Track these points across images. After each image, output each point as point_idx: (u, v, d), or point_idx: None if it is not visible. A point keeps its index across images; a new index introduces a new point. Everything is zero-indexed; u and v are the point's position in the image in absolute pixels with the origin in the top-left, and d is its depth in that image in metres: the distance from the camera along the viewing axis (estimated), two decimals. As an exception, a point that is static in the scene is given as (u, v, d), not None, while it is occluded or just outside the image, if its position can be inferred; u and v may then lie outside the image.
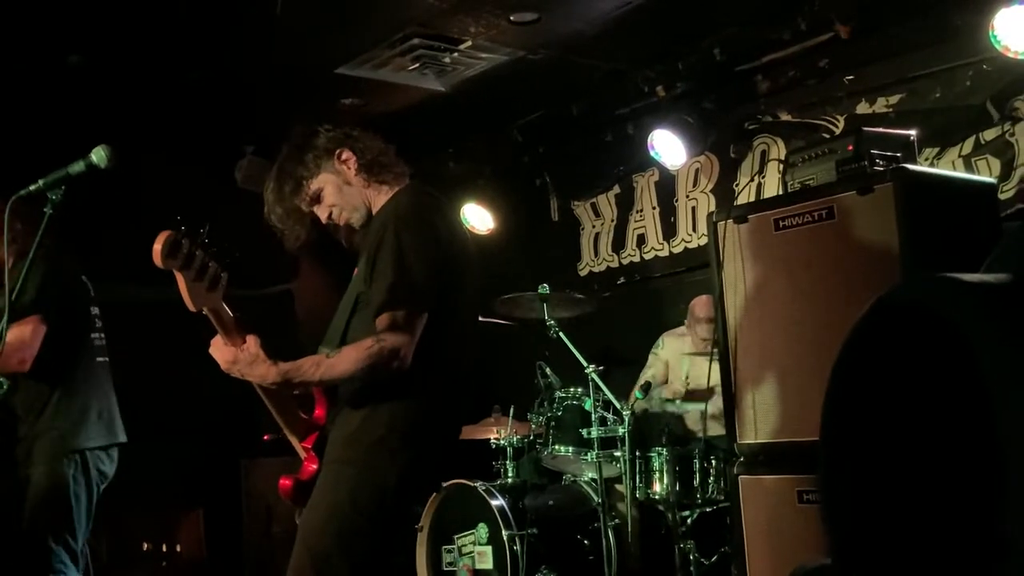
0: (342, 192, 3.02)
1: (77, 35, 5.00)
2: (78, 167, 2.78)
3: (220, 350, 2.77)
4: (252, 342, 2.73)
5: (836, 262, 3.63)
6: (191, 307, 2.64)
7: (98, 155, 2.77)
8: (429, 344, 2.76)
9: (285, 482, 2.95)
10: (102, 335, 4.03)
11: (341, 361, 2.73)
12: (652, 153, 5.88)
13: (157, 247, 2.48)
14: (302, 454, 2.96)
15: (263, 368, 2.72)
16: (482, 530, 4.91)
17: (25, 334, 3.64)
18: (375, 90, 5.97)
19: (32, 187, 2.80)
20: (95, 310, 4.03)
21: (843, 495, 1.20)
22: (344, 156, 3.02)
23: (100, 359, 3.99)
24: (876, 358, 1.26)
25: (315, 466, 2.89)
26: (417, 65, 5.67)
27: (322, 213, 3.05)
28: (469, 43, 5.39)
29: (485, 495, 4.92)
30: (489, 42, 5.39)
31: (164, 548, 6.42)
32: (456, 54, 5.53)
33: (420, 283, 2.75)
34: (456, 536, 5.02)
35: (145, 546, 6.40)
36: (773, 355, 3.77)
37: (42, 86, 5.45)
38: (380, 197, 3.03)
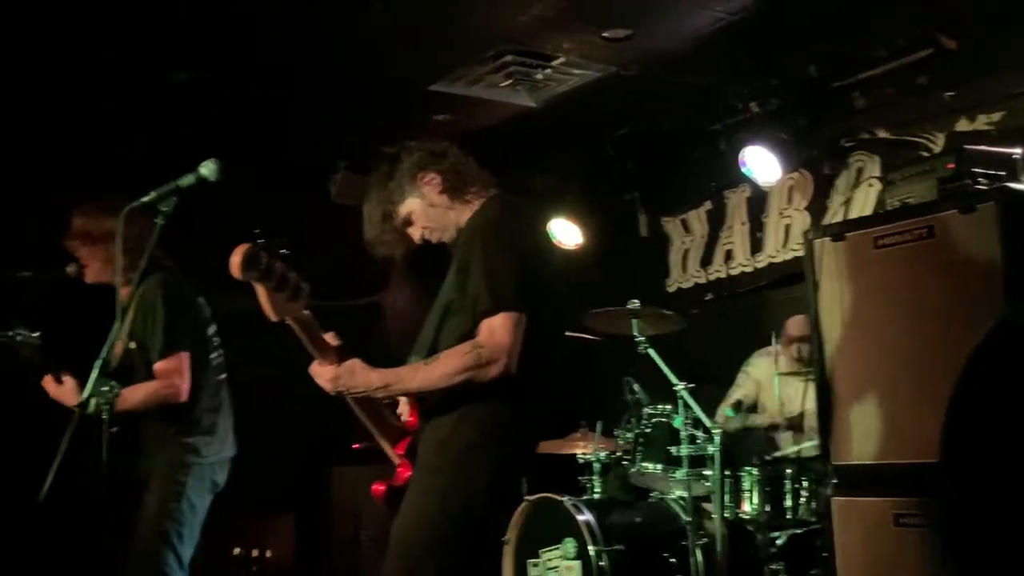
0: (429, 214, 3.08)
1: (181, 53, 5.15)
2: (188, 180, 2.87)
3: (319, 370, 2.83)
4: (353, 361, 2.81)
5: (936, 282, 3.56)
6: (272, 317, 2.68)
7: (208, 168, 2.85)
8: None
9: (379, 487, 2.99)
10: (220, 352, 4.17)
11: (439, 367, 2.77)
12: (744, 169, 5.84)
13: (235, 259, 2.52)
14: (395, 460, 3.00)
15: (364, 376, 2.79)
16: (569, 545, 4.89)
17: (174, 370, 3.85)
18: (467, 106, 6.03)
19: (145, 198, 2.89)
20: (212, 328, 4.18)
21: (965, 520, 1.18)
22: (427, 179, 3.07)
23: (220, 377, 4.15)
24: (998, 380, 1.25)
25: (408, 471, 2.93)
26: (509, 81, 5.72)
27: (415, 234, 3.12)
28: (562, 59, 5.42)
29: (572, 510, 4.91)
30: (581, 58, 5.41)
31: (254, 553, 6.53)
32: (548, 70, 5.56)
33: (511, 288, 2.78)
34: (542, 550, 5.02)
35: (236, 551, 6.52)
36: (870, 375, 3.71)
37: (147, 101, 5.63)
38: (467, 211, 3.07)
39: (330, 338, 2.86)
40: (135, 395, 3.79)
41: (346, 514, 6.61)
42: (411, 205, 3.08)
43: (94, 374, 2.74)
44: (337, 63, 5.37)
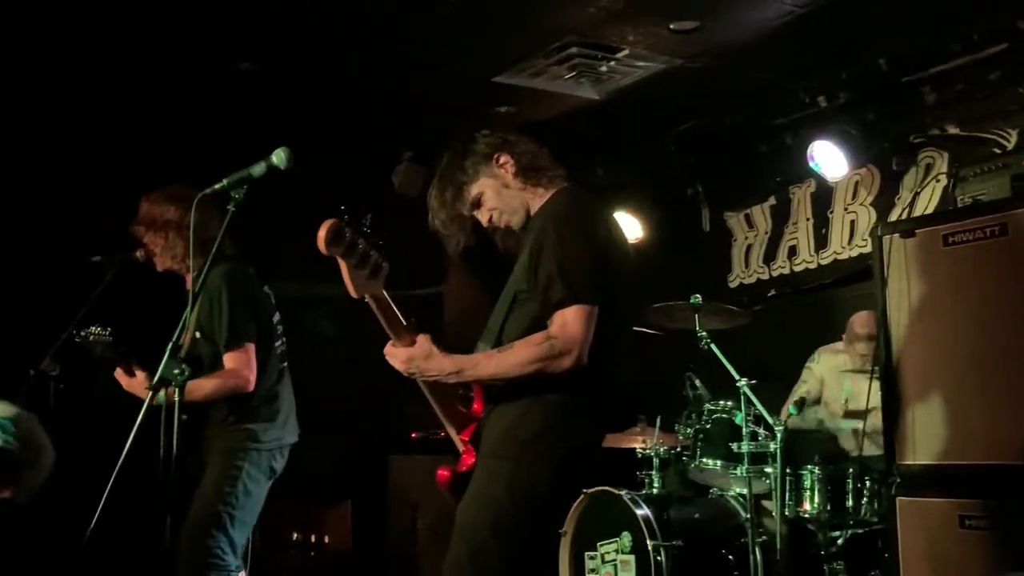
0: (501, 195, 3.08)
1: (248, 44, 5.22)
2: (259, 168, 2.89)
3: (394, 351, 2.85)
4: (424, 340, 2.82)
5: (1008, 280, 3.51)
6: (353, 294, 2.72)
7: (278, 157, 2.88)
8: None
9: (443, 473, 3.01)
10: (283, 341, 4.22)
11: (512, 356, 2.78)
12: (811, 164, 5.77)
13: (321, 234, 2.57)
14: (460, 446, 3.01)
15: (439, 362, 2.81)
16: (626, 539, 4.89)
17: (241, 361, 3.90)
18: (529, 98, 6.03)
19: (217, 186, 2.92)
20: (276, 317, 4.23)
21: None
22: (502, 160, 3.08)
23: (282, 365, 4.20)
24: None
25: (472, 458, 2.94)
26: (573, 74, 5.71)
27: (483, 217, 3.12)
28: (627, 51, 5.39)
29: (630, 504, 4.90)
30: (647, 50, 5.38)
31: (312, 539, 6.62)
32: (613, 62, 5.54)
33: (586, 280, 2.78)
34: (599, 543, 5.02)
35: (295, 536, 6.61)
36: (937, 374, 3.66)
37: (215, 91, 5.71)
38: (537, 199, 3.07)
39: (407, 322, 2.88)
40: (203, 388, 3.84)
41: (403, 503, 6.66)
42: (483, 185, 3.08)
43: (166, 357, 2.79)
44: (403, 55, 5.40)
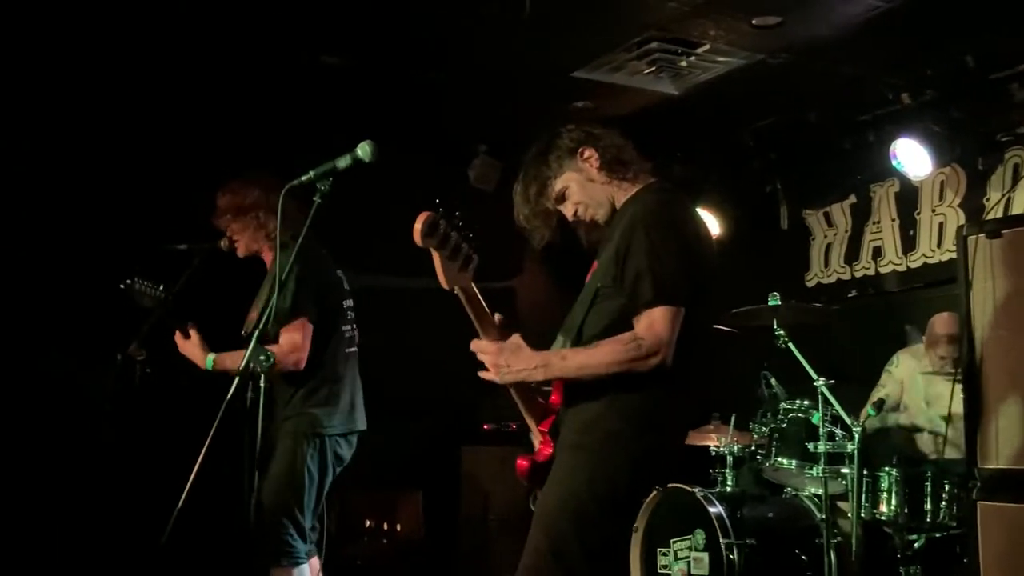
0: (586, 189, 3.08)
1: (330, 37, 5.29)
2: (345, 161, 2.95)
3: (483, 345, 2.86)
4: (516, 337, 2.85)
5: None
6: (444, 285, 2.75)
7: (363, 150, 2.93)
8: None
9: (523, 463, 3.03)
10: (353, 327, 4.25)
11: (599, 355, 2.78)
12: (894, 163, 5.69)
13: (417, 226, 2.61)
14: (538, 437, 3.03)
15: (527, 357, 2.82)
16: (699, 536, 4.87)
17: (296, 338, 3.91)
18: (607, 93, 6.02)
19: (304, 177, 2.98)
20: (348, 302, 4.27)
21: None
22: (587, 154, 3.08)
23: (349, 350, 4.22)
24: None
25: (550, 449, 2.96)
26: (653, 69, 5.69)
27: (568, 210, 3.12)
28: (707, 47, 5.36)
29: (703, 501, 4.89)
30: (728, 46, 5.34)
31: (385, 526, 6.69)
32: (693, 58, 5.51)
33: (675, 280, 2.78)
34: (672, 540, 5.01)
35: (368, 523, 6.69)
36: (1021, 378, 3.58)
37: (297, 83, 5.80)
38: (622, 194, 3.07)
39: (495, 316, 2.91)
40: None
41: (475, 493, 6.71)
42: (567, 179, 3.09)
43: (252, 343, 2.85)
44: (484, 50, 5.42)
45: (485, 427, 6.87)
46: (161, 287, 4.11)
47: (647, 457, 2.84)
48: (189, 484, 2.91)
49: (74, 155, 5.78)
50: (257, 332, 2.89)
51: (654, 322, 2.75)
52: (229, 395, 2.85)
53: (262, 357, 2.82)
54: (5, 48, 5.07)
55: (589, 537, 2.76)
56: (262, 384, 2.81)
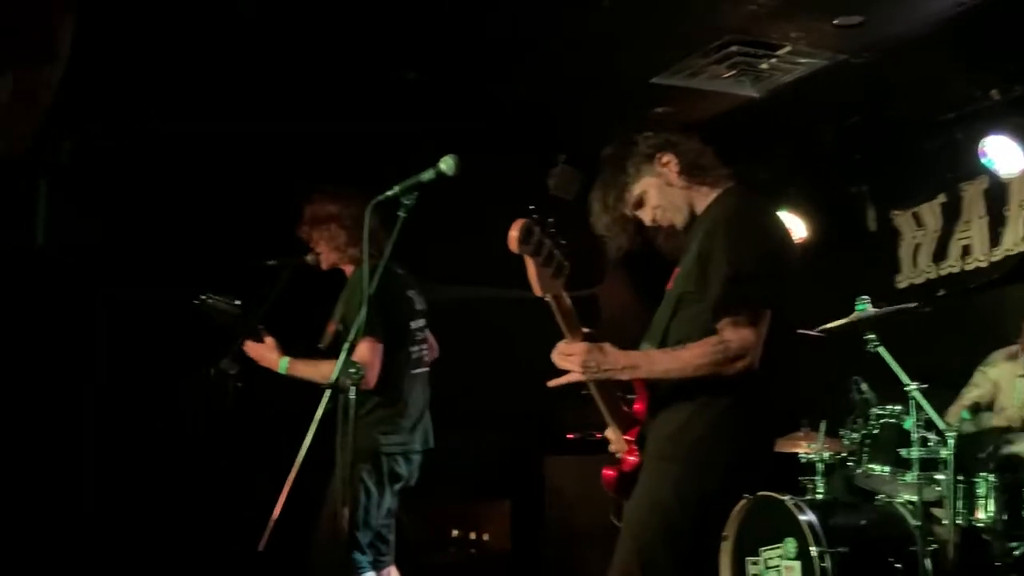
0: (664, 194, 3.08)
1: (412, 53, 5.36)
2: (429, 175, 2.99)
3: (571, 346, 2.86)
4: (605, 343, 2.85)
5: None
6: (537, 292, 2.76)
7: (447, 164, 2.97)
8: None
9: (609, 473, 3.03)
10: (421, 347, 4.28)
11: (686, 356, 2.78)
12: (984, 160, 5.56)
13: (513, 233, 2.63)
14: (623, 446, 3.03)
15: (613, 356, 2.83)
16: (790, 544, 4.79)
17: (365, 355, 3.91)
18: (687, 98, 5.99)
19: (389, 192, 3.03)
20: (418, 323, 4.30)
21: None
22: (665, 159, 3.08)
23: (416, 371, 4.25)
24: None
25: (636, 458, 2.96)
26: (733, 72, 5.65)
27: (646, 216, 3.12)
28: (788, 48, 5.31)
29: (794, 509, 4.81)
30: (809, 47, 5.29)
31: (472, 536, 6.72)
32: (774, 60, 5.46)
33: (759, 285, 2.77)
34: (762, 548, 4.94)
35: (454, 532, 6.73)
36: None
37: (380, 99, 5.88)
38: (701, 199, 3.07)
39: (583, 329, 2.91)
40: (322, 370, 3.89)
41: (561, 503, 6.71)
42: (646, 185, 3.09)
43: (343, 356, 2.90)
44: (560, 58, 5.45)
45: (569, 436, 6.87)
46: (237, 301, 4.17)
47: (735, 465, 2.82)
48: (284, 493, 2.97)
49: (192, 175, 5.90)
50: (347, 345, 2.94)
51: (740, 326, 2.74)
52: (320, 408, 2.90)
53: (352, 370, 2.87)
54: (105, 58, 5.19)
55: (677, 547, 2.76)
56: (352, 396, 2.85)
